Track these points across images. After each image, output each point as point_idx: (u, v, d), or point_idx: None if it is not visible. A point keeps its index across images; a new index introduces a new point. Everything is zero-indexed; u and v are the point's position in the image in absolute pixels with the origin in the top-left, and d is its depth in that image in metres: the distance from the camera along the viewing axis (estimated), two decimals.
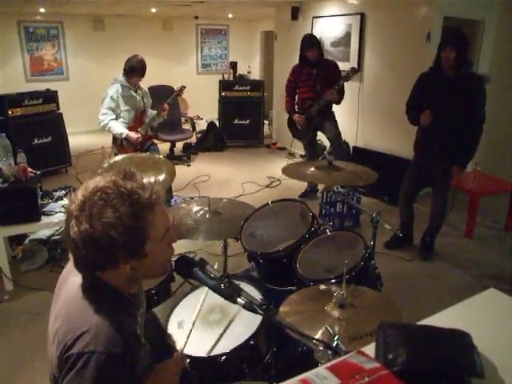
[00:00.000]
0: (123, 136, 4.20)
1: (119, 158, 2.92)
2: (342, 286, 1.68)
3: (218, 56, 10.39)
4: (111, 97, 4.19)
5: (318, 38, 4.95)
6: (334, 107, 4.82)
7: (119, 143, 4.31)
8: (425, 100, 3.46)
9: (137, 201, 1.07)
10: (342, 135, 5.01)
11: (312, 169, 2.75)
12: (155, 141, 4.92)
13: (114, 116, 4.23)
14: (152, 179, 2.69)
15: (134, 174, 1.14)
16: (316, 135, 5.12)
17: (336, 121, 4.87)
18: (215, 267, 1.37)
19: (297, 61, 4.87)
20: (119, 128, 4.20)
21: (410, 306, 2.95)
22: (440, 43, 3.39)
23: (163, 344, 1.64)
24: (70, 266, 1.28)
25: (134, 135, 4.23)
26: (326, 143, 5.78)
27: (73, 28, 8.58)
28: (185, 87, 4.77)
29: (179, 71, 9.66)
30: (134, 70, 4.19)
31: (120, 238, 1.04)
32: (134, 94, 4.32)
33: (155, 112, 4.46)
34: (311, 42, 4.63)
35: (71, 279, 1.20)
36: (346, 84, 4.60)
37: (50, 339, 1.18)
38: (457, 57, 3.23)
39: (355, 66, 5.73)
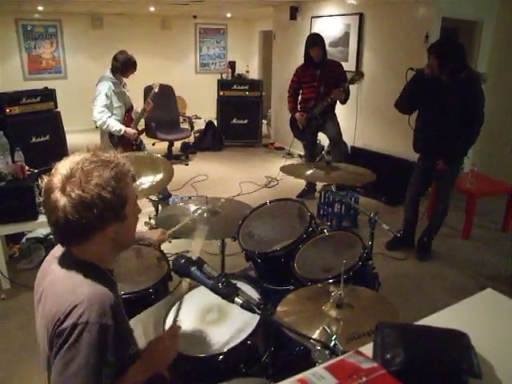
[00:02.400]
0: (121, 133, 4.20)
1: None
2: (339, 285, 1.68)
3: (217, 55, 10.38)
4: (106, 94, 4.17)
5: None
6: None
7: (116, 140, 4.30)
8: (422, 102, 3.48)
9: (116, 166, 1.19)
10: None
11: (310, 168, 2.76)
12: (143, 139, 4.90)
13: (110, 113, 4.22)
14: (150, 178, 2.69)
15: (103, 150, 1.24)
16: (317, 136, 5.13)
17: (337, 121, 4.88)
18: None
19: (296, 61, 4.88)
20: (117, 125, 4.20)
21: (407, 306, 2.96)
22: (427, 50, 3.40)
23: None
24: (45, 263, 1.32)
25: (131, 131, 4.25)
26: (324, 143, 5.79)
27: (71, 26, 8.56)
28: (160, 84, 4.70)
29: (178, 70, 9.65)
30: (129, 64, 4.20)
31: (109, 197, 1.13)
32: (124, 90, 4.35)
33: (140, 108, 4.49)
34: (314, 41, 4.63)
35: (52, 267, 1.24)
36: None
37: (40, 332, 1.21)
38: (439, 65, 3.24)
39: (354, 65, 5.76)
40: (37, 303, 1.27)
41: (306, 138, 5.01)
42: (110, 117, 4.21)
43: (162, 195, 4.48)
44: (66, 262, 1.23)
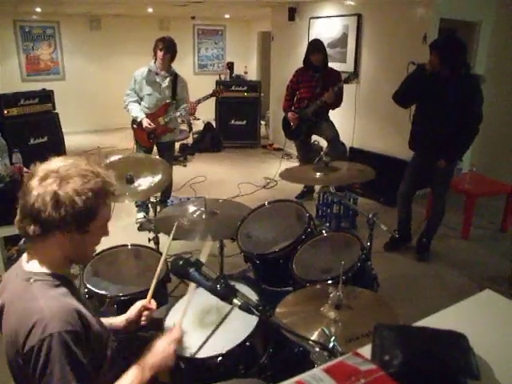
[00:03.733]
0: (138, 120, 4.14)
1: (115, 158, 2.91)
2: (338, 287, 1.67)
3: (215, 56, 10.38)
4: (134, 78, 4.17)
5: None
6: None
7: (135, 125, 4.26)
8: (420, 98, 3.49)
9: (102, 182, 1.21)
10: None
11: (309, 171, 2.76)
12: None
13: (135, 98, 4.18)
14: (149, 179, 2.69)
15: (99, 163, 1.28)
16: (310, 138, 5.14)
17: (332, 122, 4.89)
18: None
19: (294, 61, 4.91)
20: (135, 111, 4.15)
21: (406, 307, 2.95)
22: (429, 46, 3.42)
23: None
24: (10, 274, 1.33)
25: (145, 123, 4.10)
26: (323, 144, 5.80)
27: (69, 28, 8.55)
28: (222, 91, 4.58)
29: (176, 71, 9.64)
30: (157, 44, 4.07)
31: (79, 205, 1.15)
32: (159, 80, 4.18)
33: (184, 106, 4.29)
34: (315, 46, 4.69)
35: (12, 287, 1.23)
36: (344, 86, 4.61)
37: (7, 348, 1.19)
38: (441, 61, 3.25)
39: (352, 66, 5.76)
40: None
41: (297, 138, 5.02)
42: (134, 101, 4.17)
43: (165, 197, 4.44)
44: (24, 273, 1.22)
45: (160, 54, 4.08)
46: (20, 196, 1.20)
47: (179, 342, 1.44)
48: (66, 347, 1.08)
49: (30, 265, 1.24)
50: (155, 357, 1.35)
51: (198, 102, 4.38)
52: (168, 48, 4.09)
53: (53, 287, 1.19)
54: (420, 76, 3.40)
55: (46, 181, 1.15)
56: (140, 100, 4.22)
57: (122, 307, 1.99)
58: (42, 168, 1.19)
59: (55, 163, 1.20)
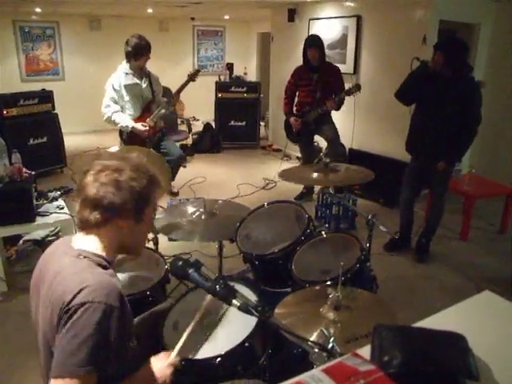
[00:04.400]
0: (129, 129, 3.91)
1: None
2: (337, 288, 1.67)
3: (215, 57, 10.38)
4: (113, 87, 3.93)
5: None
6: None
7: (125, 136, 4.03)
8: (421, 96, 3.50)
9: (153, 174, 1.36)
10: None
11: (308, 172, 2.77)
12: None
13: (117, 108, 3.95)
14: None
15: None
16: (313, 138, 5.14)
17: (333, 123, 4.89)
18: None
19: (294, 62, 4.89)
20: (124, 120, 3.91)
21: (405, 308, 2.95)
22: (433, 46, 3.43)
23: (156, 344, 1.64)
24: (50, 251, 1.36)
25: (141, 127, 3.91)
26: (322, 145, 5.80)
27: (69, 28, 8.55)
28: (199, 71, 4.38)
29: (175, 72, 9.61)
30: (141, 48, 3.90)
31: (137, 190, 1.26)
32: (139, 81, 4.03)
33: (165, 100, 4.14)
34: (312, 41, 4.62)
35: (57, 261, 1.27)
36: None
37: (41, 323, 1.23)
38: (445, 61, 3.26)
39: (352, 67, 5.77)
40: (36, 297, 1.29)
41: (300, 141, 5.02)
42: (117, 111, 3.93)
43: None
44: (74, 251, 1.27)
45: (146, 57, 3.98)
46: (77, 193, 1.29)
47: (174, 367, 1.41)
48: (102, 318, 1.11)
49: (80, 244, 1.30)
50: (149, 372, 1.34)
51: (179, 91, 4.25)
52: (150, 50, 4.01)
53: (100, 267, 1.25)
54: (422, 73, 3.40)
55: (103, 173, 1.25)
56: (122, 109, 3.99)
57: None
58: (96, 163, 1.28)
59: (106, 161, 1.29)
